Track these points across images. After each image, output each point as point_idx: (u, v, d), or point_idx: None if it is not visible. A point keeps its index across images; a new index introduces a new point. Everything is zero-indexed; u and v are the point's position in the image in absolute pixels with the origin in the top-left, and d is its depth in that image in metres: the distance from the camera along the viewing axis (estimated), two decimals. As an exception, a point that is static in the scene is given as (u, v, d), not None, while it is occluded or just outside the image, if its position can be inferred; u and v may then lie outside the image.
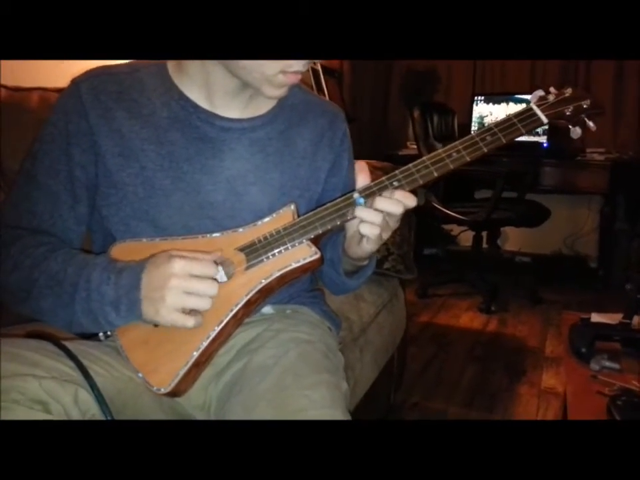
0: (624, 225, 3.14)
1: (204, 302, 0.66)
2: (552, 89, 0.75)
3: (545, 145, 3.03)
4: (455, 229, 3.65)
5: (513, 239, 3.60)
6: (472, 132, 3.08)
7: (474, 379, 2.01)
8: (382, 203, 0.70)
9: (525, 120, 0.72)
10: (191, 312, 0.67)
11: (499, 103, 3.21)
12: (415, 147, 2.89)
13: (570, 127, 0.74)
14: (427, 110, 2.84)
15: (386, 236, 0.74)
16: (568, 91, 0.74)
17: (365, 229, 0.71)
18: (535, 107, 0.72)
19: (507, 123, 0.72)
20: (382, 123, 3.77)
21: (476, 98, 3.27)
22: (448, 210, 2.69)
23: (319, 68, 2.76)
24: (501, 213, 2.65)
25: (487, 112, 3.23)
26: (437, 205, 2.71)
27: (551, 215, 2.82)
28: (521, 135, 0.71)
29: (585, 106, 0.73)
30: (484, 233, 3.03)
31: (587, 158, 2.96)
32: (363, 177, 0.74)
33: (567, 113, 0.73)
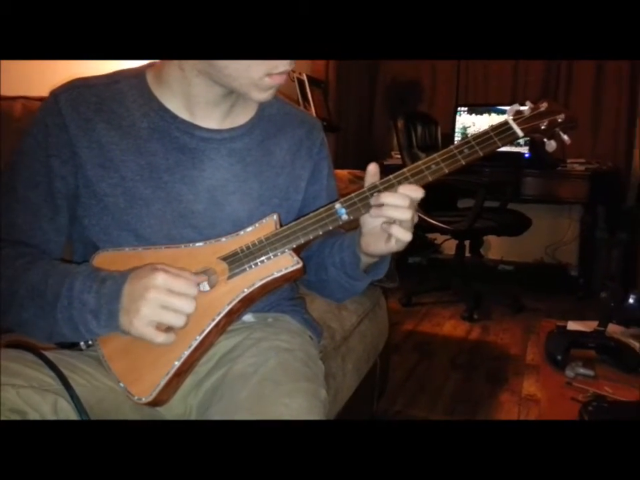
0: (604, 234, 3.20)
1: (179, 319, 0.66)
2: (528, 103, 0.77)
3: (526, 155, 3.09)
4: (439, 238, 3.69)
5: (496, 247, 3.65)
6: (455, 142, 3.12)
7: (456, 387, 2.02)
8: (387, 197, 0.71)
9: (502, 133, 0.74)
10: (167, 329, 0.67)
11: (481, 114, 3.26)
12: (399, 156, 2.92)
13: (545, 140, 0.76)
14: (410, 120, 2.87)
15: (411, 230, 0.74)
16: (543, 105, 0.76)
17: (397, 231, 0.71)
18: (511, 121, 0.75)
19: (484, 137, 0.74)
20: (367, 132, 3.80)
21: (459, 109, 3.32)
22: (431, 219, 2.71)
23: (305, 78, 2.78)
24: (483, 222, 2.68)
25: (470, 122, 3.28)
26: (420, 214, 2.73)
27: (532, 224, 2.86)
28: (498, 148, 0.74)
29: (559, 120, 0.76)
30: (467, 242, 3.06)
31: (568, 168, 3.01)
32: (371, 179, 0.76)
33: (542, 127, 0.75)
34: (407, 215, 0.71)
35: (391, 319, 1.71)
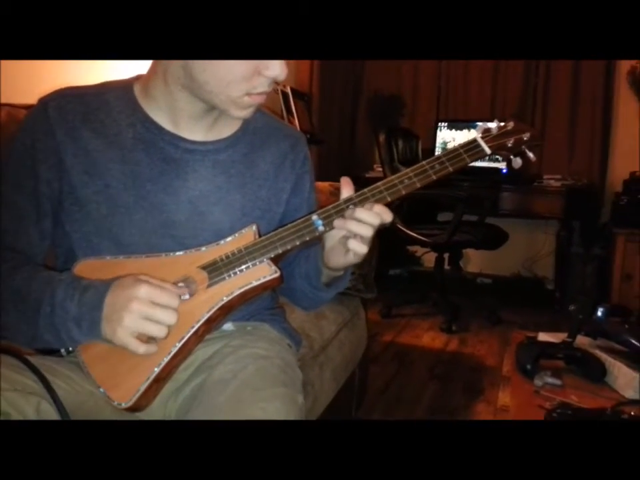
0: (579, 249, 3.28)
1: (160, 330, 0.68)
2: (496, 122, 0.81)
3: (504, 171, 3.16)
4: (419, 250, 3.74)
5: (475, 261, 3.71)
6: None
7: (434, 397, 2.05)
8: (361, 213, 0.74)
9: (470, 150, 0.78)
10: (148, 339, 0.69)
11: (461, 129, 3.33)
12: (381, 169, 2.97)
13: (511, 157, 0.80)
14: (392, 135, 2.93)
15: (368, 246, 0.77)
16: (510, 124, 0.80)
17: (354, 245, 0.74)
18: (479, 139, 0.78)
19: (454, 153, 0.77)
20: (349, 145, 3.86)
21: (439, 124, 3.39)
22: (411, 231, 2.76)
23: (289, 91, 2.82)
24: (461, 236, 2.73)
25: (450, 138, 3.35)
26: (401, 227, 2.78)
27: (509, 238, 2.92)
28: (467, 164, 0.77)
29: (525, 138, 0.79)
30: (446, 255, 3.11)
31: (544, 184, 3.08)
32: (347, 191, 0.78)
33: (509, 145, 0.79)
34: (370, 232, 0.74)
35: (371, 330, 1.74)
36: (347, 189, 0.78)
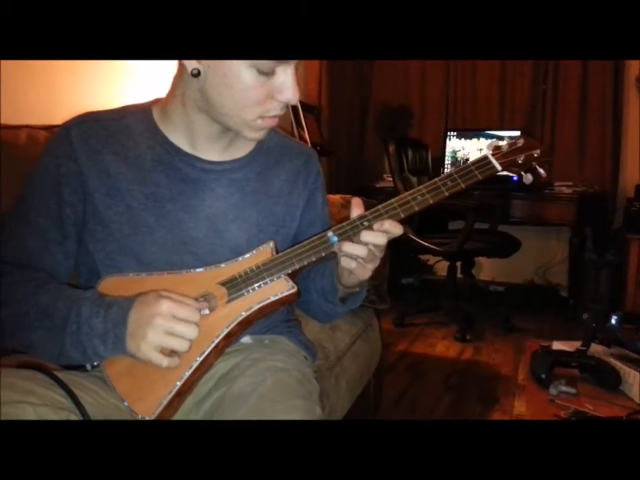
0: (592, 256, 3.27)
1: (183, 344, 0.71)
2: (506, 139, 0.83)
3: (514, 178, 3.13)
4: (431, 259, 3.75)
5: (487, 268, 3.71)
6: (445, 165, 3.17)
7: (449, 407, 2.05)
8: (367, 235, 0.76)
9: (482, 167, 0.79)
10: (170, 353, 0.71)
11: (470, 138, 3.34)
12: (391, 179, 2.99)
13: (522, 173, 0.82)
14: (401, 145, 2.94)
15: (372, 266, 0.80)
16: (520, 142, 0.82)
17: (345, 262, 0.77)
18: (490, 156, 0.80)
19: (466, 170, 0.79)
20: (359, 156, 3.88)
21: (449, 133, 3.41)
22: (423, 241, 2.77)
23: (298, 105, 2.85)
24: (473, 244, 2.74)
25: (460, 147, 3.36)
26: (412, 236, 2.79)
27: (521, 245, 2.92)
28: (478, 181, 0.79)
29: (535, 155, 0.81)
30: (458, 263, 3.11)
31: (555, 191, 3.08)
32: (356, 211, 0.80)
33: (519, 161, 0.81)
34: (376, 254, 0.78)
35: (385, 340, 1.75)
36: (356, 209, 0.80)
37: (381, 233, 0.77)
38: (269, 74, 0.74)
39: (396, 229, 0.77)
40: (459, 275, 3.13)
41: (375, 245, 0.77)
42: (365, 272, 0.80)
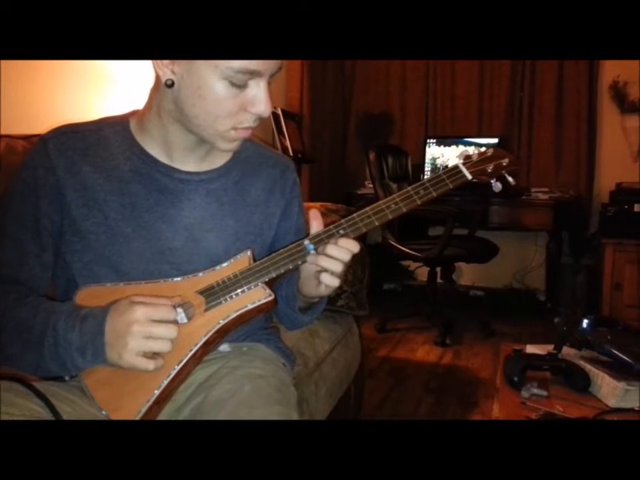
0: (569, 260, 3.34)
1: (165, 345, 0.72)
2: (475, 150, 0.86)
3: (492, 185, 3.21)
4: (412, 265, 3.78)
5: (467, 273, 3.76)
6: (425, 172, 3.20)
7: (429, 410, 2.08)
8: (332, 249, 0.78)
9: (453, 176, 0.82)
10: (153, 355, 0.72)
11: (449, 145, 3.40)
12: (372, 186, 3.02)
13: (492, 182, 0.85)
14: (382, 152, 2.98)
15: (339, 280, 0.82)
16: (489, 151, 0.85)
17: (326, 279, 0.79)
18: (461, 165, 0.83)
19: (438, 179, 0.82)
20: (340, 163, 3.91)
21: (428, 141, 3.46)
22: (403, 247, 2.80)
23: (280, 112, 2.87)
24: (452, 250, 2.78)
25: (439, 154, 3.41)
26: (393, 242, 2.83)
27: (499, 251, 2.97)
28: (450, 190, 0.81)
29: (504, 164, 0.84)
30: (438, 269, 3.15)
31: (532, 197, 3.14)
32: (316, 224, 0.82)
33: (489, 170, 0.84)
34: (340, 267, 0.79)
35: (367, 345, 1.77)
36: (315, 223, 0.82)
37: (343, 249, 0.78)
38: (241, 86, 0.75)
39: (353, 247, 0.79)
40: (439, 280, 3.17)
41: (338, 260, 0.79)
42: (333, 281, 0.81)
